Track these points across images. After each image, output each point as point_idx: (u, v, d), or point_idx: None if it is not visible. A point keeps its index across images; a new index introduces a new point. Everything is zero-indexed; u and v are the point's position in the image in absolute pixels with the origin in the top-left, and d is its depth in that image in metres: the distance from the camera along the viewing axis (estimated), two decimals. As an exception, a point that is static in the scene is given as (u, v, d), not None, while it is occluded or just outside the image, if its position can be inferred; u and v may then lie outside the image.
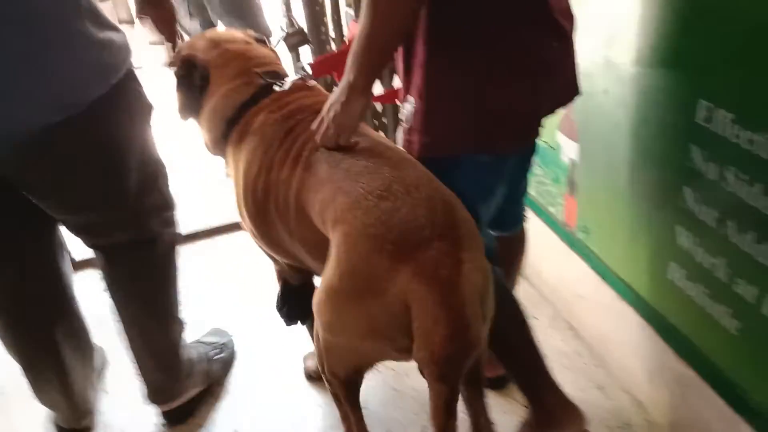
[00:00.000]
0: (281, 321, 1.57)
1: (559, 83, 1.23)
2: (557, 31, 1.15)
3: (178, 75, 1.41)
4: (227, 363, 1.77)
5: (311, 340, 1.39)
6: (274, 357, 1.81)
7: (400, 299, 0.96)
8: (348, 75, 1.10)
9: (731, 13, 1.02)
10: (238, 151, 1.33)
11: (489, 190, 1.26)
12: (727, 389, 1.22)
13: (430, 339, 0.95)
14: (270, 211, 1.26)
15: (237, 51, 1.38)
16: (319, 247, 1.11)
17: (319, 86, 1.41)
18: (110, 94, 1.19)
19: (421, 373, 1.02)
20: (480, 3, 1.08)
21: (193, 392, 1.62)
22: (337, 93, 1.13)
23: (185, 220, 1.62)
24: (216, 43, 1.39)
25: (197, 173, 2.60)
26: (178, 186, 1.55)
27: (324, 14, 2.10)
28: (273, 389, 1.71)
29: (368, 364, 1.19)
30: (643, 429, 1.49)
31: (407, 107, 1.21)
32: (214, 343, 1.77)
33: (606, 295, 1.55)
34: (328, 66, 1.54)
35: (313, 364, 1.72)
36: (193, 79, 1.37)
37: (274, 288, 1.59)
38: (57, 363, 1.45)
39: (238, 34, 1.45)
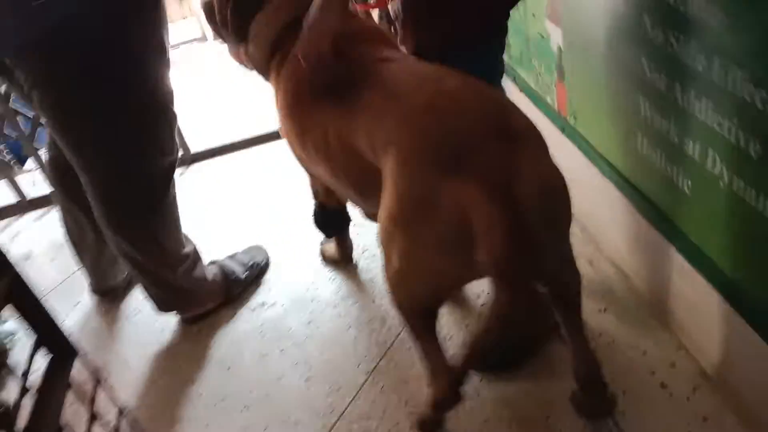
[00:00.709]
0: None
1: None
2: None
3: None
4: (252, 279, 1.93)
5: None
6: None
7: (459, 208, 0.95)
8: None
9: None
10: (278, 77, 1.38)
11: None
12: (690, 251, 1.32)
13: (488, 242, 0.93)
14: (309, 148, 1.32)
15: None
16: (367, 182, 1.14)
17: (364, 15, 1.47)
18: None
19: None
20: None
21: (205, 307, 1.82)
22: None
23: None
24: None
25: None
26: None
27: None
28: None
29: (446, 288, 1.18)
30: (626, 295, 1.61)
31: (394, 6, 1.32)
32: (243, 262, 1.93)
33: (593, 175, 1.64)
34: None
35: (330, 247, 1.91)
36: None
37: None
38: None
39: None
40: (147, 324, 1.88)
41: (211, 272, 1.83)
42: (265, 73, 1.47)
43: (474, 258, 0.95)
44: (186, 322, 1.85)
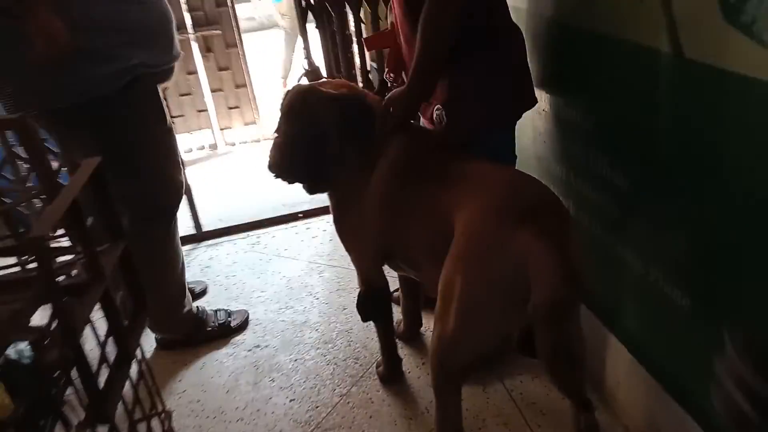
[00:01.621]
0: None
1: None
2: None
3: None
4: (217, 334, 2.29)
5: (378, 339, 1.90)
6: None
7: (522, 255, 1.18)
8: (408, 81, 1.56)
9: None
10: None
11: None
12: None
13: (548, 283, 1.16)
14: (395, 214, 1.56)
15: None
16: (443, 243, 1.34)
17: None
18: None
19: (523, 346, 1.29)
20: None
21: (171, 333, 2.23)
22: (397, 93, 1.61)
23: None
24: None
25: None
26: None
27: (338, 57, 2.82)
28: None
29: (499, 333, 1.36)
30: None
31: (438, 113, 1.68)
32: (220, 318, 2.32)
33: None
34: (377, 41, 2.06)
35: (382, 369, 2.00)
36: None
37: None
38: None
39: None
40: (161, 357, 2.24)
41: (188, 306, 2.22)
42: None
43: (526, 300, 1.18)
44: (161, 346, 2.25)
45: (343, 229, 1.77)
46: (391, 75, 1.90)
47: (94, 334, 0.99)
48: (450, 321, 1.29)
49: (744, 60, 1.00)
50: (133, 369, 1.15)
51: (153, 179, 1.98)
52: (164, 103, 1.99)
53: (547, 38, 1.71)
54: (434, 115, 1.68)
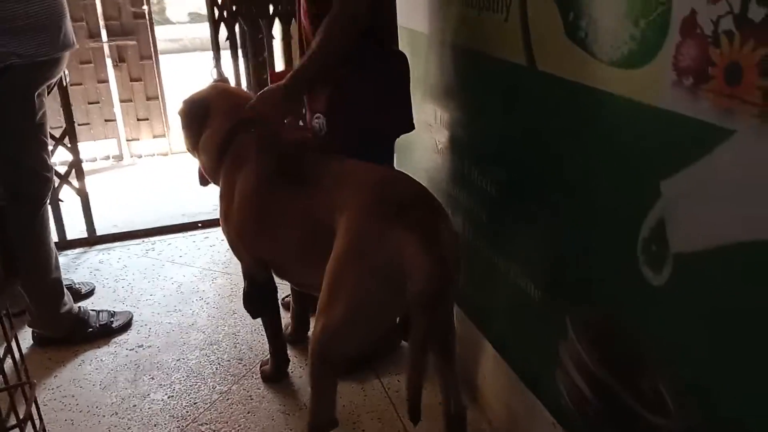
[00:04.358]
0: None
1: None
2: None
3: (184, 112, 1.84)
4: (99, 333, 2.25)
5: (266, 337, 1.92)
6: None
7: (398, 247, 1.27)
8: (286, 80, 1.62)
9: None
10: (228, 179, 1.73)
11: None
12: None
13: (421, 273, 1.24)
14: (264, 228, 1.64)
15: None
16: (317, 245, 1.44)
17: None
18: None
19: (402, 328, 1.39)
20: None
21: (52, 332, 2.19)
22: (271, 89, 1.65)
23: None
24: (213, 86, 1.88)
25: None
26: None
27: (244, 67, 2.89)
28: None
29: (384, 321, 1.44)
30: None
31: (318, 122, 1.77)
32: (102, 318, 2.28)
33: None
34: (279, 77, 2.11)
35: (268, 368, 2.03)
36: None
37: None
38: None
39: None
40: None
41: (68, 306, 2.19)
42: (214, 176, 1.83)
43: (405, 290, 1.25)
44: (37, 343, 2.20)
45: (222, 222, 1.82)
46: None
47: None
48: (336, 312, 1.36)
49: (582, 71, 1.16)
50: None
51: (10, 167, 1.97)
52: (42, 99, 1.99)
53: (439, 57, 1.86)
54: (314, 123, 1.76)
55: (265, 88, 1.71)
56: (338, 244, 1.37)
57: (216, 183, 1.85)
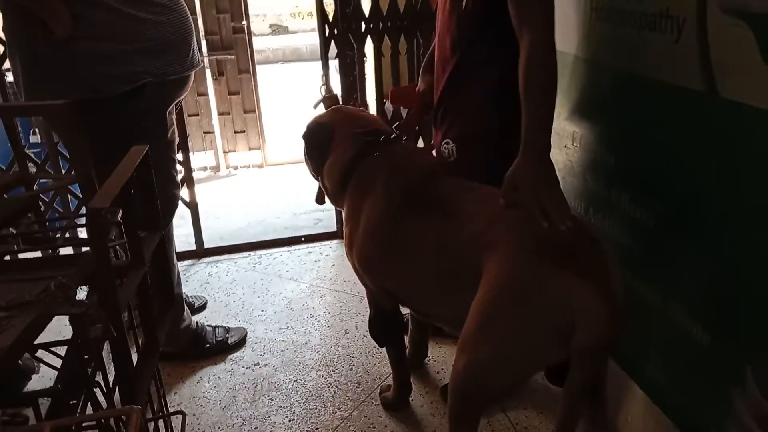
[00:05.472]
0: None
1: None
2: None
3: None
4: (215, 351, 2.26)
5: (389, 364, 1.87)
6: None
7: (566, 295, 1.18)
8: (538, 142, 1.33)
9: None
10: (355, 205, 1.66)
11: None
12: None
13: (597, 324, 1.17)
14: (394, 256, 1.56)
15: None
16: (454, 278, 1.39)
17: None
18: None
19: (553, 374, 1.34)
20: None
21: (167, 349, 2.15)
22: (533, 169, 1.34)
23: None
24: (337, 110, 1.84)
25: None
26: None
27: (355, 83, 2.88)
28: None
29: (534, 367, 1.38)
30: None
31: (448, 148, 1.72)
32: (217, 335, 2.30)
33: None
34: (402, 98, 2.04)
35: (389, 395, 1.96)
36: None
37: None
38: None
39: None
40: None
41: (187, 321, 2.20)
42: (337, 201, 1.79)
43: (563, 338, 1.19)
44: None
45: (346, 248, 1.75)
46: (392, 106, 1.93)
47: (131, 316, 0.98)
48: (484, 351, 1.28)
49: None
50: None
51: None
52: (172, 117, 2.01)
53: (584, 78, 1.75)
54: (443, 148, 1.69)
55: (513, 173, 1.38)
56: (492, 285, 1.28)
57: (339, 207, 1.82)
